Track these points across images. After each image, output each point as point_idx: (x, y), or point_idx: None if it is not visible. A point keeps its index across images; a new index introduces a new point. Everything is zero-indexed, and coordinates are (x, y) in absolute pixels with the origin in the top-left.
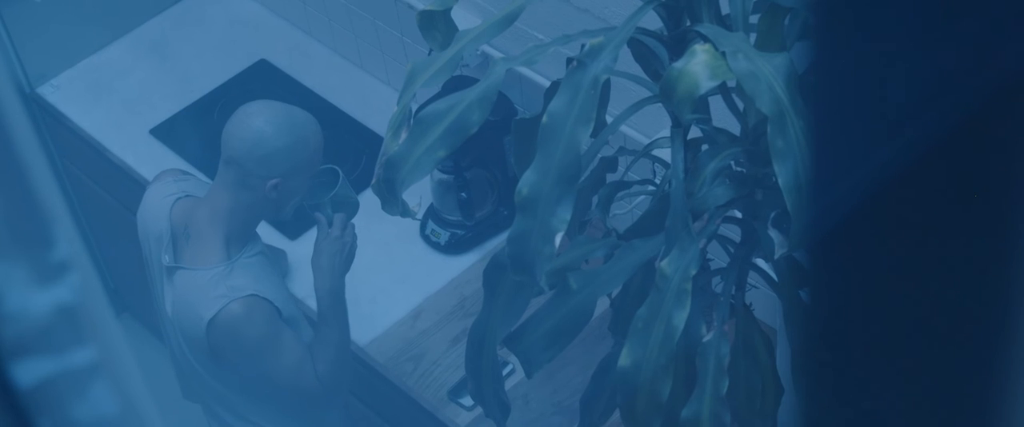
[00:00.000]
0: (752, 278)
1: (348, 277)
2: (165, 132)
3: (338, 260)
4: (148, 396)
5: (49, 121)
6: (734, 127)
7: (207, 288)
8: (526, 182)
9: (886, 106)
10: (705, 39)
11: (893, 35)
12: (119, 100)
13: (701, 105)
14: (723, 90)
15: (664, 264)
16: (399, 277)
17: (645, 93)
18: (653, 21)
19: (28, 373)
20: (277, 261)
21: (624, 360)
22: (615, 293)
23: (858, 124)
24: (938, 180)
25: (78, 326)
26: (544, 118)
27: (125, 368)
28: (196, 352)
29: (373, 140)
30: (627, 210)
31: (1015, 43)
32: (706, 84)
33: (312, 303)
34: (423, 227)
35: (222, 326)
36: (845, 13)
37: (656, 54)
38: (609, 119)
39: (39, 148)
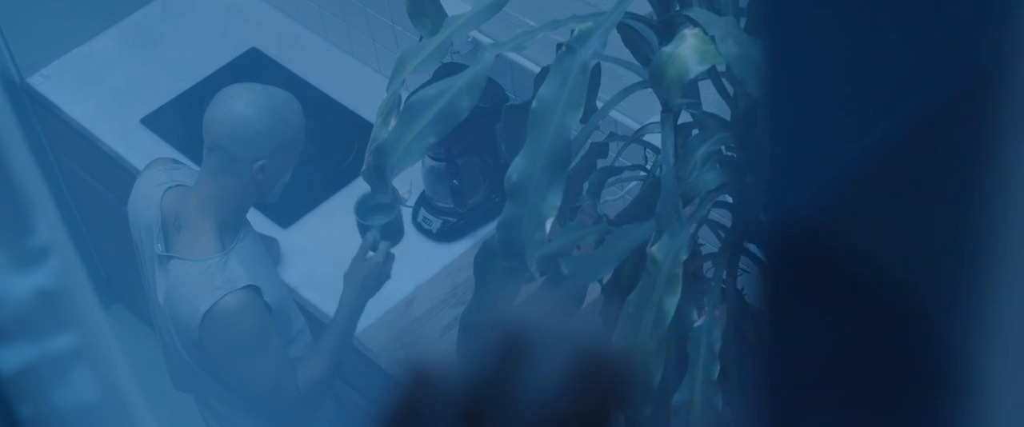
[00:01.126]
0: (743, 263)
1: (341, 264)
2: (156, 121)
3: (370, 283)
4: (133, 382)
5: (40, 111)
6: (724, 111)
7: (203, 279)
8: (516, 168)
9: (852, 99)
10: (694, 23)
11: (862, 26)
12: (110, 89)
13: (691, 90)
14: (713, 74)
15: (655, 249)
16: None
17: (635, 78)
18: (642, 6)
19: (8, 359)
20: (270, 250)
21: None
22: (606, 279)
23: (822, 119)
24: (906, 173)
25: (58, 312)
26: (533, 104)
27: (108, 354)
28: (187, 342)
29: (364, 128)
30: (618, 196)
31: (984, 37)
32: (696, 68)
33: (304, 292)
34: (415, 215)
35: (216, 318)
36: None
37: (646, 39)
38: (599, 104)
39: (19, 134)
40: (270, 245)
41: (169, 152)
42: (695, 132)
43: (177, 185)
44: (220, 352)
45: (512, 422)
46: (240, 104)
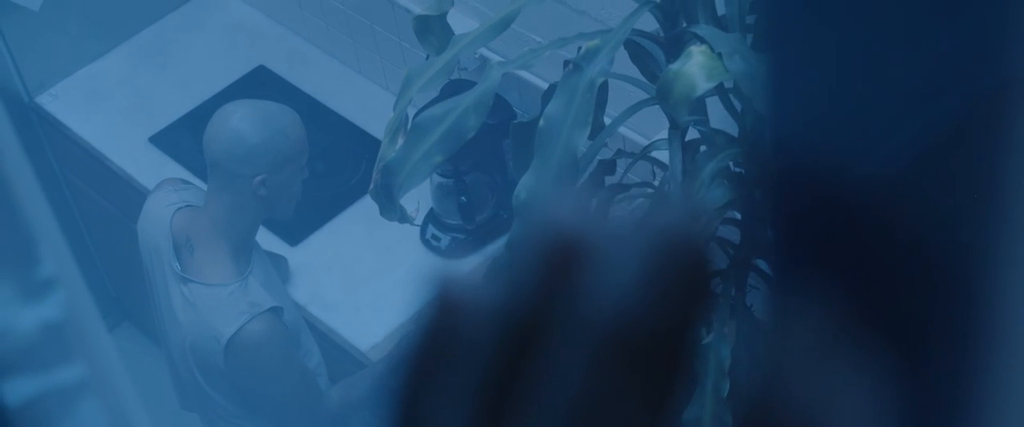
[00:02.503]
0: (752, 279)
1: (349, 282)
2: (164, 140)
3: None
4: (142, 412)
5: (48, 130)
6: (732, 128)
7: (225, 305)
8: (524, 186)
9: (862, 114)
10: (701, 40)
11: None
12: (118, 108)
13: (698, 106)
14: (720, 91)
15: None
16: (400, 281)
17: (643, 95)
18: (649, 23)
19: (15, 391)
20: (279, 267)
21: None
22: None
23: (830, 133)
24: (918, 188)
25: (65, 343)
26: (541, 121)
27: (116, 384)
28: (204, 366)
29: (373, 145)
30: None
31: (1000, 50)
32: (703, 85)
33: (313, 310)
34: (423, 231)
35: (242, 343)
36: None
37: (653, 56)
38: (607, 121)
39: (26, 164)
40: (279, 263)
41: (177, 170)
42: (703, 149)
43: (186, 206)
44: (247, 376)
45: (571, 346)
46: (235, 120)
